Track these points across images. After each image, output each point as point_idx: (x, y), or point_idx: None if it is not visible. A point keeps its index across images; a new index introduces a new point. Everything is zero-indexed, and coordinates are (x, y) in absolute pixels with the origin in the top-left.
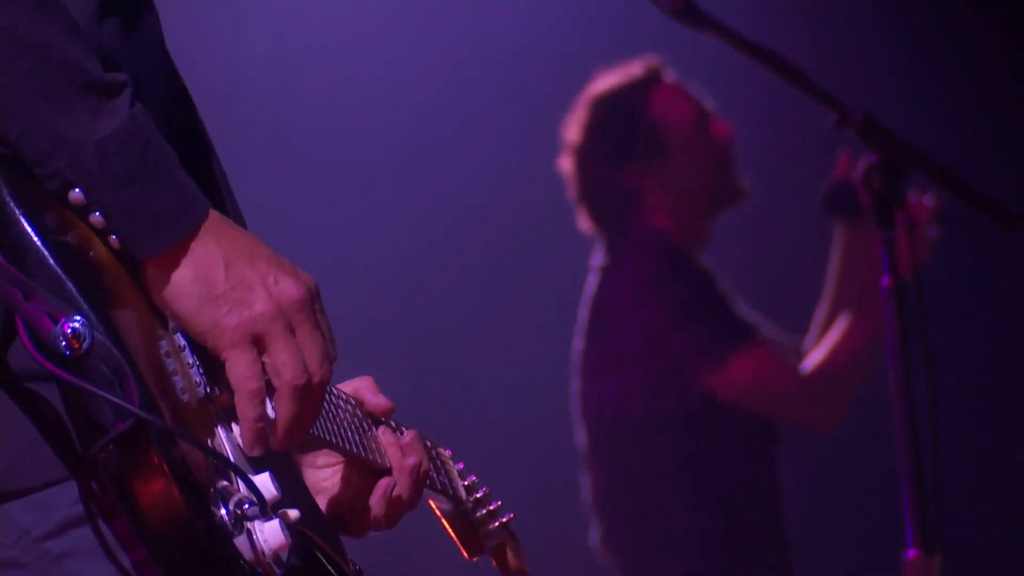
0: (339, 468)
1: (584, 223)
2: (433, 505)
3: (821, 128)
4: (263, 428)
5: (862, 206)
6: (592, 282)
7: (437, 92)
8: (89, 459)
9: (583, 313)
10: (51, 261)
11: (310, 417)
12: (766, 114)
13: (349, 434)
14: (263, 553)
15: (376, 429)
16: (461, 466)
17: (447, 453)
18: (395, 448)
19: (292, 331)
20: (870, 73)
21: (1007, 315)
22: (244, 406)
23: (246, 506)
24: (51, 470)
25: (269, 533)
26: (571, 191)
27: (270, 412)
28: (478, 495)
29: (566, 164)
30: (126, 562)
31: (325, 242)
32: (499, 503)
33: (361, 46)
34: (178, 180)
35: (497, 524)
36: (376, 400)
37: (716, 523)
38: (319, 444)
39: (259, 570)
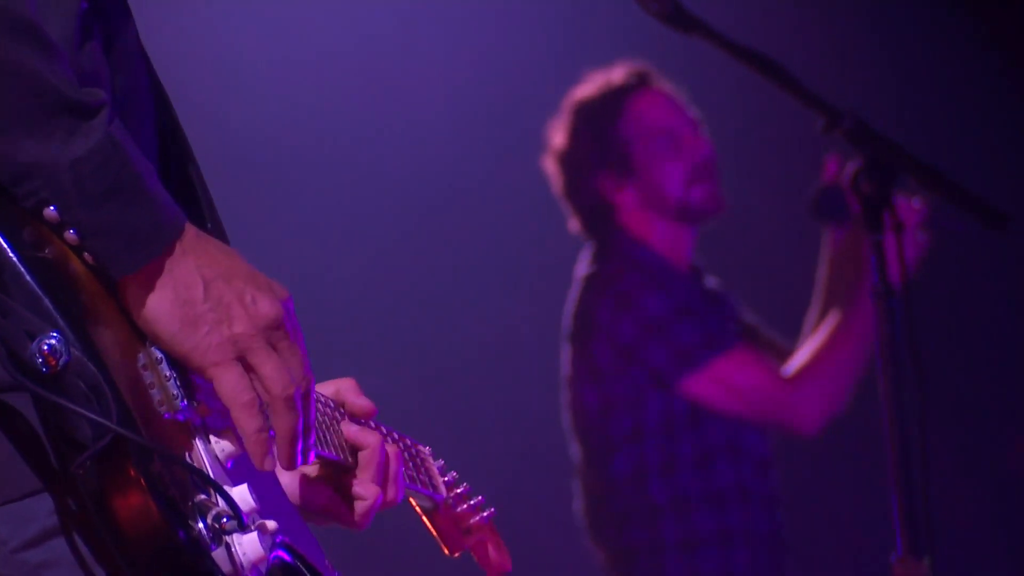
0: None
1: (574, 225)
2: (413, 503)
3: (809, 132)
4: (267, 439)
5: (851, 210)
6: (575, 291)
7: (426, 95)
8: (67, 476)
9: (567, 322)
10: (27, 277)
11: (308, 427)
12: (754, 118)
13: (322, 434)
14: (241, 566)
15: (341, 426)
16: (441, 463)
17: (427, 450)
18: (376, 459)
19: (272, 348)
20: (857, 76)
21: (996, 317)
22: (243, 420)
23: (224, 520)
24: (29, 481)
25: (248, 546)
26: (557, 194)
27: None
28: (458, 491)
29: (549, 167)
30: (102, 574)
31: (314, 245)
32: (480, 498)
33: (349, 48)
34: (154, 199)
35: (478, 519)
36: (359, 401)
37: (707, 528)
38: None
39: None
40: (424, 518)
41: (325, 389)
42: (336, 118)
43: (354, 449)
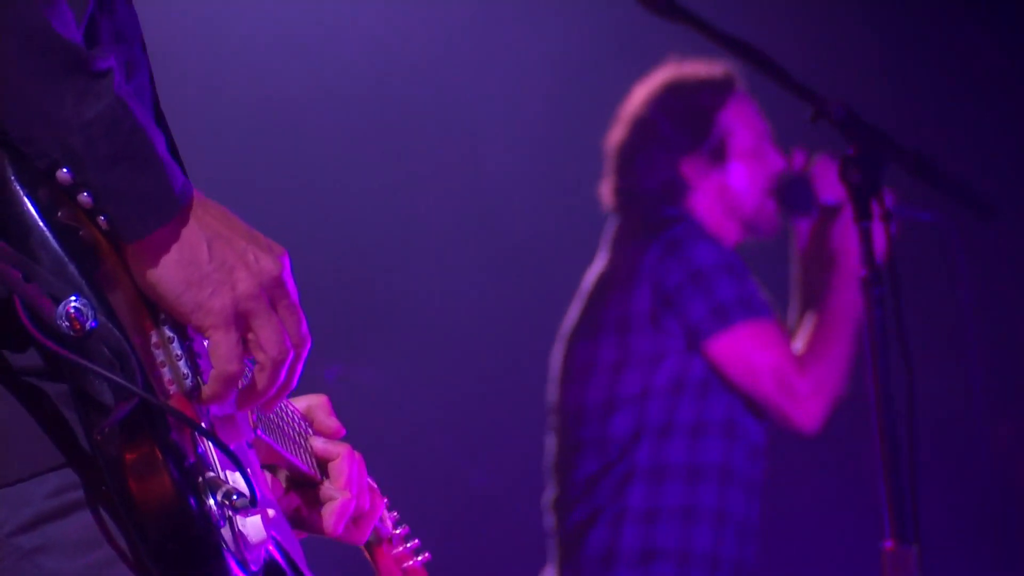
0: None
1: (608, 196)
2: None
3: (798, 121)
4: (222, 401)
5: (816, 200)
6: (609, 243)
7: (421, 89)
8: (90, 442)
9: (593, 273)
10: (53, 242)
11: (284, 391)
12: None
13: (289, 444)
14: (245, 546)
15: (310, 441)
16: (386, 501)
17: (374, 485)
18: (346, 468)
19: (273, 306)
20: (847, 66)
21: (982, 305)
22: (218, 387)
23: (235, 497)
24: (24, 466)
25: (251, 527)
26: (613, 161)
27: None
28: (398, 531)
29: (618, 135)
30: (98, 557)
31: (308, 238)
32: (417, 542)
33: (345, 39)
34: (164, 164)
35: (414, 562)
36: (328, 421)
37: (673, 501)
38: (262, 444)
39: (240, 563)
40: (366, 552)
41: (298, 404)
42: (343, 111)
43: (322, 464)
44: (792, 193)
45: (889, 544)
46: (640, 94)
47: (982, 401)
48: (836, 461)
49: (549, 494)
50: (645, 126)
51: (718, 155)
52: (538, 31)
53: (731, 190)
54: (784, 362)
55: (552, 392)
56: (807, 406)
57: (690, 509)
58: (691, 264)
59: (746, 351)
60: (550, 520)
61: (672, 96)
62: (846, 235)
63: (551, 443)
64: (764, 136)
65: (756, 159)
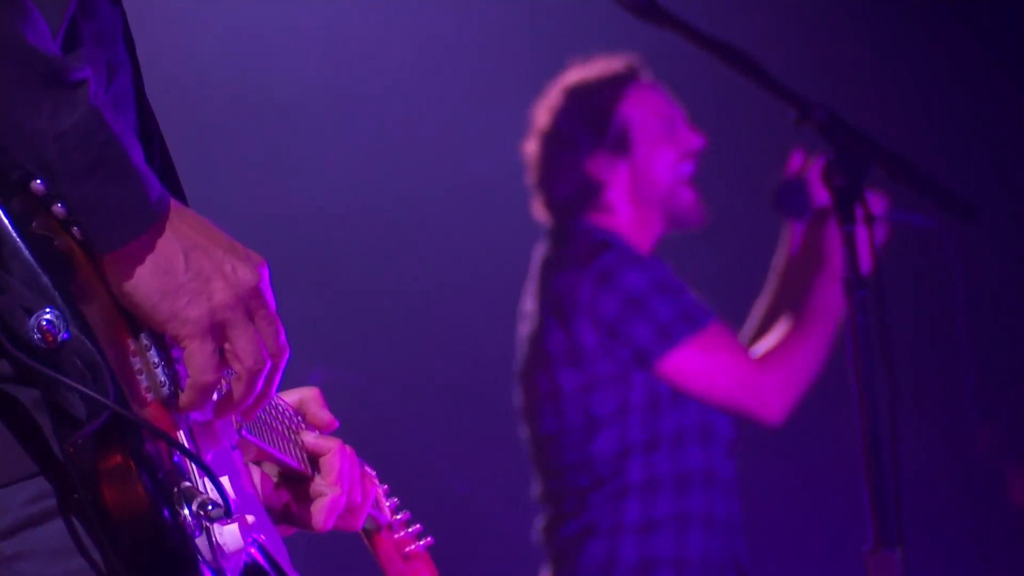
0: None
1: (539, 211)
2: None
3: (780, 124)
4: (198, 410)
5: (811, 203)
6: (539, 274)
7: (405, 92)
8: (63, 454)
9: (529, 305)
10: (26, 253)
11: (263, 399)
12: (725, 111)
13: (279, 441)
14: (222, 555)
15: (301, 435)
16: (386, 488)
17: (372, 472)
18: (337, 463)
19: (251, 316)
20: (829, 69)
21: (974, 309)
22: (193, 396)
23: (210, 507)
24: (1, 473)
25: (228, 536)
26: (531, 175)
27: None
28: (399, 517)
29: (531, 148)
30: (78, 564)
31: (293, 240)
32: (419, 527)
33: (328, 39)
34: (140, 175)
35: (416, 547)
36: (320, 414)
37: (666, 510)
38: (249, 444)
39: (216, 572)
40: (365, 539)
41: (289, 397)
42: (327, 114)
43: (313, 458)
44: (788, 195)
45: (872, 547)
46: (543, 104)
47: (973, 404)
48: (819, 464)
49: (539, 520)
50: (549, 134)
51: (620, 147)
52: (522, 31)
53: (642, 178)
54: (738, 361)
55: (522, 423)
56: (770, 401)
57: (681, 516)
58: (625, 291)
59: (699, 362)
60: (540, 537)
61: (569, 99)
62: (838, 237)
63: (534, 471)
64: (674, 119)
65: (666, 144)
